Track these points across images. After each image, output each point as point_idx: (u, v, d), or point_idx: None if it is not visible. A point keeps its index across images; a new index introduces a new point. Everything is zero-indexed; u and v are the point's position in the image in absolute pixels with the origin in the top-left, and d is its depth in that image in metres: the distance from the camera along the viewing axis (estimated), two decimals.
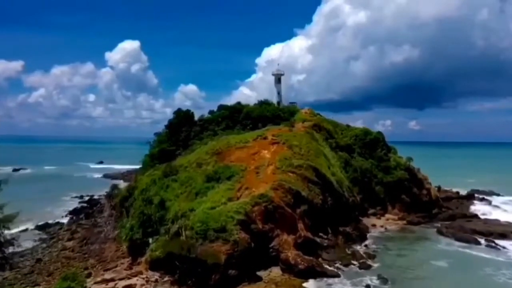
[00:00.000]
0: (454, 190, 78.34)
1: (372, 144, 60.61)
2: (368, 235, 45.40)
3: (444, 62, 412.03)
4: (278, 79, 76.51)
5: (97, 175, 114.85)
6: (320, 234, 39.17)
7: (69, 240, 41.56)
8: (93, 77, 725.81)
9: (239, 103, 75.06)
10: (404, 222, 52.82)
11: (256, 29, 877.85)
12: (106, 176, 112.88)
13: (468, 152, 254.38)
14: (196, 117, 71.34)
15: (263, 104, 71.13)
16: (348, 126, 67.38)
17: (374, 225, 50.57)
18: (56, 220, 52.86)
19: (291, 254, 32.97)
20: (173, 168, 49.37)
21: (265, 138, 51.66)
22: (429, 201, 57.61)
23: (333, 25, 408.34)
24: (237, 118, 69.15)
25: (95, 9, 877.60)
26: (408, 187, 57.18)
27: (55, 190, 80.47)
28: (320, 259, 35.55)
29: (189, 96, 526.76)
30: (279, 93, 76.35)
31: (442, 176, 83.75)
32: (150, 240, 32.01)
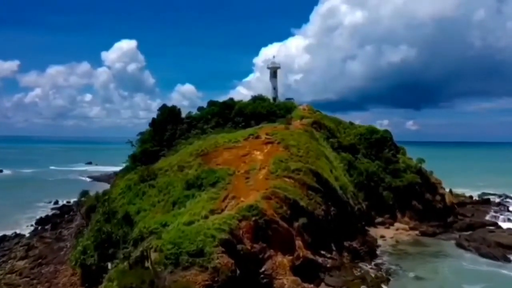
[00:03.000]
0: (462, 193, 72.07)
1: (379, 143, 54.14)
2: (377, 249, 38.93)
3: (441, 62, 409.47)
4: (273, 72, 69.88)
5: (82, 177, 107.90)
6: (322, 252, 32.51)
7: (22, 258, 34.81)
8: (89, 77, 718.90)
9: (231, 99, 68.35)
10: (417, 232, 46.32)
11: (254, 29, 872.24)
12: (91, 178, 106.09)
13: (468, 153, 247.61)
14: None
15: (257, 99, 64.37)
16: (351, 123, 60.79)
17: (383, 237, 44.08)
18: (17, 232, 45.88)
19: (287, 281, 26.50)
20: (151, 172, 42.80)
21: (258, 137, 45.07)
22: (443, 208, 51.15)
23: (330, 24, 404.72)
24: (229, 115, 62.49)
25: (91, 9, 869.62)
26: (419, 193, 50.74)
27: (31, 194, 73.73)
28: (323, 284, 29.08)
29: (186, 96, 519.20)
30: (274, 88, 69.71)
31: (447, 178, 76.86)
32: (109, 265, 25.30)
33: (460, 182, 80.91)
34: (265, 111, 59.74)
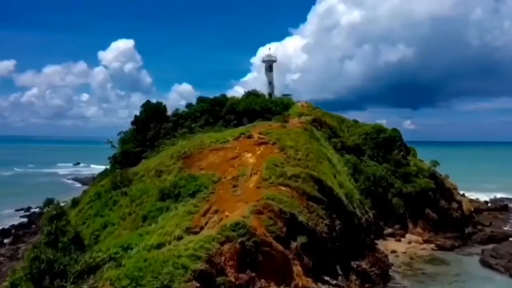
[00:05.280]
0: (473, 198, 66.31)
1: (387, 144, 48.27)
2: (390, 269, 32.99)
3: (439, 62, 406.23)
4: (269, 66, 63.86)
5: (66, 180, 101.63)
6: (326, 278, 26.47)
7: None
8: (86, 77, 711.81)
9: (223, 95, 62.40)
10: (433, 246, 40.52)
11: (251, 29, 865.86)
12: (76, 180, 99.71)
13: (467, 153, 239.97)
14: None
15: (251, 95, 58.37)
16: (355, 121, 54.80)
17: (394, 252, 38.27)
18: None
19: None
20: (124, 177, 36.80)
21: (250, 136, 38.97)
22: (460, 217, 45.27)
23: (327, 24, 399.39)
24: (219, 112, 56.53)
25: (88, 8, 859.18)
26: (434, 200, 44.86)
27: (1, 199, 67.06)
28: None
29: (184, 95, 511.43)
30: (270, 83, 63.70)
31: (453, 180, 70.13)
32: None
33: (466, 186, 74.73)
34: (260, 108, 53.84)
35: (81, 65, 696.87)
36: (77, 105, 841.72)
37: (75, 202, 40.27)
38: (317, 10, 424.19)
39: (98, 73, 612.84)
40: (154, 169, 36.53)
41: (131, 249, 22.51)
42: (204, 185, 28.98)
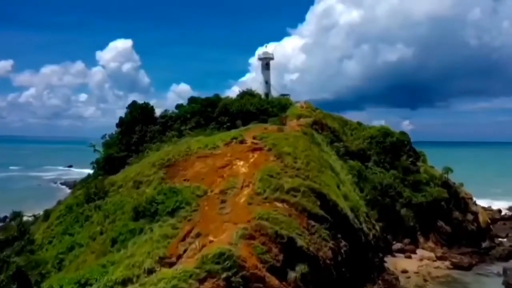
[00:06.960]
0: (481, 204, 61.79)
1: (394, 149, 43.97)
2: None
3: (437, 61, 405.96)
4: (266, 64, 59.57)
5: (55, 184, 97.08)
6: None
7: None
8: (84, 77, 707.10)
9: (216, 95, 58.02)
10: (448, 263, 36.18)
11: (249, 29, 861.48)
12: (65, 185, 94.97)
13: (467, 153, 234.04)
14: None
15: (246, 95, 54.01)
16: (359, 124, 50.42)
17: (405, 271, 33.93)
18: None
19: None
20: (100, 188, 32.41)
21: (243, 141, 34.60)
22: (476, 230, 41.06)
23: (326, 24, 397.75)
24: (211, 113, 52.17)
25: (86, 7, 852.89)
26: (447, 211, 40.61)
27: None
28: None
29: (182, 95, 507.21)
30: (267, 82, 59.43)
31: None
32: None
33: (469, 189, 70.16)
34: (255, 109, 49.54)
35: (79, 65, 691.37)
36: (75, 105, 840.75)
37: (47, 215, 35.81)
38: (316, 10, 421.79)
39: (96, 73, 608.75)
40: (132, 179, 32.14)
41: (90, 285, 18.21)
42: (186, 200, 24.62)
